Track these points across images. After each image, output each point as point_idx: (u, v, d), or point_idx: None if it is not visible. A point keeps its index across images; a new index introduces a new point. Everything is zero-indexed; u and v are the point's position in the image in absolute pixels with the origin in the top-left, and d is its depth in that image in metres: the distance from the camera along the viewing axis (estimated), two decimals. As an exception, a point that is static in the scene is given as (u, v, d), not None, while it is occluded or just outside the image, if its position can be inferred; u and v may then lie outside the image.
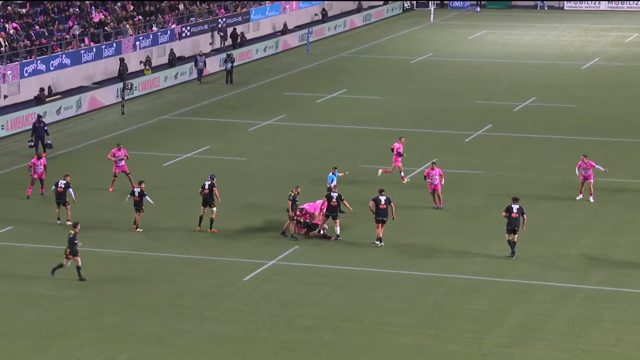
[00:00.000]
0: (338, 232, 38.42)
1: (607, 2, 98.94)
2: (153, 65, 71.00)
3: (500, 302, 33.29)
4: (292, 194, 38.30)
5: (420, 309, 32.84)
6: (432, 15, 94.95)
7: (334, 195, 38.20)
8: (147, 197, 39.39)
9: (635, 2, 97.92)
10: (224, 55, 71.13)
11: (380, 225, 37.73)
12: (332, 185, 40.10)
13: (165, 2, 79.40)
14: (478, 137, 53.96)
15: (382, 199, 37.68)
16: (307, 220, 39.16)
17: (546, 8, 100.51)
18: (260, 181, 45.99)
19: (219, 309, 32.61)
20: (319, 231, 38.83)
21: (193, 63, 70.10)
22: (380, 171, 45.03)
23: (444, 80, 69.27)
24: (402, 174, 45.04)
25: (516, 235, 36.48)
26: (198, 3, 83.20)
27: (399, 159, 44.94)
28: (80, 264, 34.17)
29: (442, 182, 41.61)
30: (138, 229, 39.36)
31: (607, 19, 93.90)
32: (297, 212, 39.03)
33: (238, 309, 32.52)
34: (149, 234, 39.47)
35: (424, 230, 39.83)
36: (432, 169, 41.71)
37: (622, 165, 47.91)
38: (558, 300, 33.43)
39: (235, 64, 69.91)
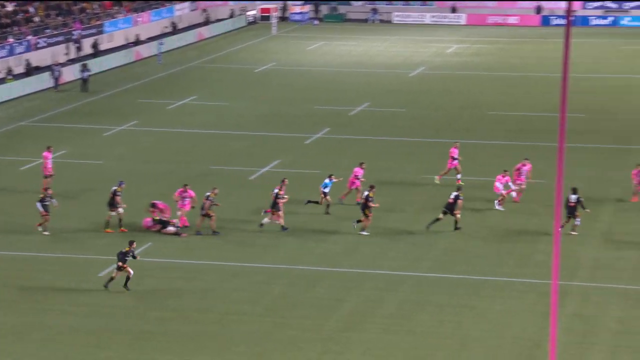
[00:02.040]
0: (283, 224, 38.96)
1: (430, 15, 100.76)
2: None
3: (337, 291, 33.68)
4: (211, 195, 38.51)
5: (266, 298, 32.99)
6: (274, 28, 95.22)
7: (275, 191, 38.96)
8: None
9: (456, 16, 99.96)
10: (79, 65, 69.95)
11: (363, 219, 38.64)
12: (326, 191, 40.74)
13: (21, 15, 77.67)
14: (317, 140, 54.36)
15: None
16: (161, 218, 38.89)
17: (377, 22, 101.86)
18: (115, 182, 45.41)
19: (76, 303, 32.20)
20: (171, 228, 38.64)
21: (50, 72, 68.75)
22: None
23: (285, 88, 69.56)
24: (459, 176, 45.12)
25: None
26: (54, 16, 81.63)
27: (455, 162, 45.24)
28: None
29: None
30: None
31: (431, 31, 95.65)
32: (150, 209, 38.93)
33: (95, 303, 32.17)
34: (8, 235, 38.69)
35: (268, 225, 39.88)
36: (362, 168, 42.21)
37: (444, 164, 48.88)
38: (388, 287, 34.00)
39: (90, 73, 68.85)
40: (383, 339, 30.05)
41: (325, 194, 40.94)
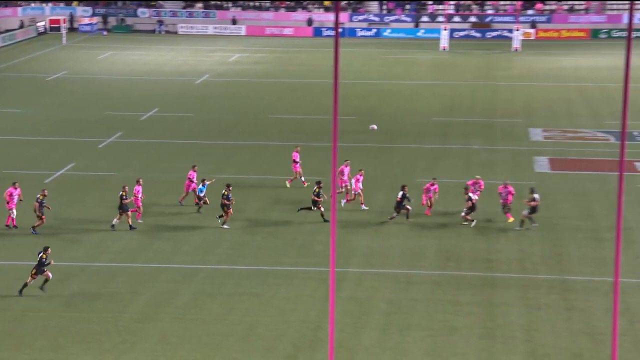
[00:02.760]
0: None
1: (213, 27, 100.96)
2: None
3: (133, 285, 33.48)
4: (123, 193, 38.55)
5: (63, 294, 32.43)
6: (64, 38, 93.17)
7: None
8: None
9: (237, 28, 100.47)
10: None
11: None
12: (201, 195, 40.72)
13: None
14: (110, 143, 53.67)
15: None
16: None
17: (163, 32, 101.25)
18: None
19: None
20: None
21: None
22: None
23: (77, 95, 68.27)
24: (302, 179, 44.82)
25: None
26: None
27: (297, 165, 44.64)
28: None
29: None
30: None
31: (214, 41, 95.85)
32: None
33: None
34: None
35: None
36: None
37: (231, 163, 49.31)
38: (183, 279, 34.05)
39: None
40: (177, 327, 30.12)
41: (200, 198, 40.90)
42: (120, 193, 38.54)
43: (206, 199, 40.95)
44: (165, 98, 66.86)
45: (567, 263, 35.48)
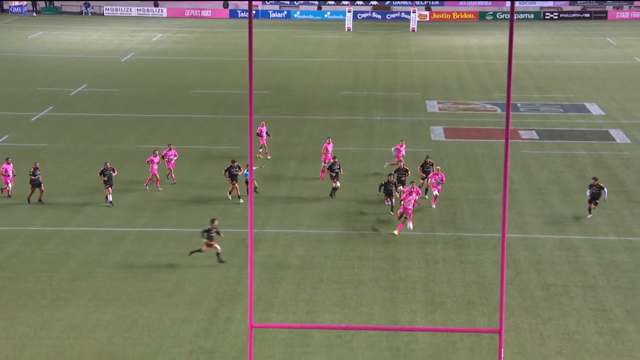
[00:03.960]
0: None
1: (137, 9, 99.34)
2: None
3: (65, 247, 33.05)
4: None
5: (0, 256, 31.88)
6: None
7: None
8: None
9: (159, 9, 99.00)
10: None
11: None
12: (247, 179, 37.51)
13: None
14: (42, 117, 52.61)
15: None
16: None
17: (90, 14, 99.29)
18: None
19: None
20: None
21: None
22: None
23: (9, 72, 66.65)
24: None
25: None
26: None
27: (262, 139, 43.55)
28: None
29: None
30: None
31: (138, 22, 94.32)
32: None
33: None
34: None
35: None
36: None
37: (157, 134, 48.79)
38: (113, 241, 33.71)
39: None
40: (109, 285, 29.85)
41: (247, 182, 37.51)
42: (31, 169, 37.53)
43: (255, 183, 38.47)
44: (93, 75, 65.70)
45: (461, 221, 36.06)
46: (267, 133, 44.26)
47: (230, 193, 38.22)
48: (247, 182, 37.58)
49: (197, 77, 65.74)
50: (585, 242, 33.97)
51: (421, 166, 38.91)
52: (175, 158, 40.08)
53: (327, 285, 30.14)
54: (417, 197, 34.67)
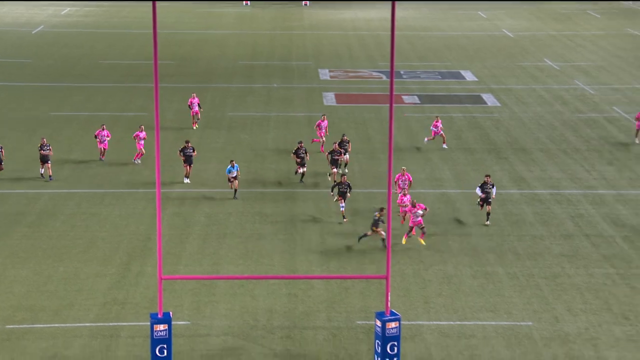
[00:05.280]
0: None
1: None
2: None
3: (-16, 209, 32.04)
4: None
5: None
6: None
7: None
8: None
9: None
10: None
11: None
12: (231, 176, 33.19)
13: None
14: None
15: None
16: None
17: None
18: None
19: None
20: None
21: None
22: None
23: None
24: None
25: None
26: None
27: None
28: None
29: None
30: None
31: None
32: None
33: None
34: None
35: None
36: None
37: (69, 102, 47.51)
38: (28, 202, 32.79)
39: None
40: (25, 243, 29.12)
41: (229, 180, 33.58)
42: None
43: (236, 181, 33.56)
44: (5, 46, 63.44)
45: (351, 178, 36.29)
46: (198, 104, 42.96)
47: (187, 177, 35.19)
48: (229, 180, 33.55)
49: (105, 48, 64.15)
50: (460, 195, 34.67)
51: (339, 144, 35.92)
52: (109, 139, 37.82)
53: (231, 240, 30.03)
54: (421, 212, 29.08)
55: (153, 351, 20.97)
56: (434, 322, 24.27)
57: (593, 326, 24.13)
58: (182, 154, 35.10)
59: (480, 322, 24.30)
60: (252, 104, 48.07)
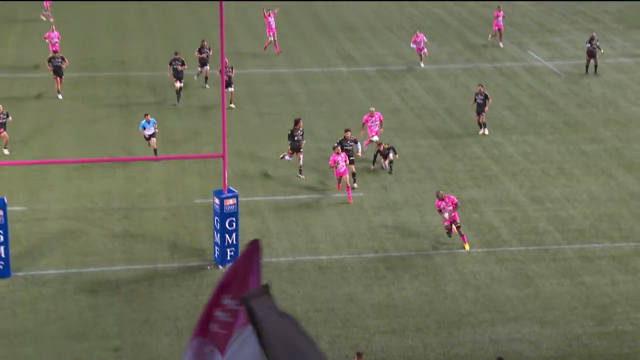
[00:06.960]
0: None
1: None
2: None
3: None
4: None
5: None
6: None
7: None
8: None
9: None
10: None
11: None
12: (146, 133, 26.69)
13: None
14: None
15: None
16: None
17: None
18: None
19: None
20: None
21: None
22: None
23: None
24: None
25: None
26: None
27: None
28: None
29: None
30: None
31: None
32: None
33: None
34: None
35: None
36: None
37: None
38: None
39: None
40: None
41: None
42: None
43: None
44: None
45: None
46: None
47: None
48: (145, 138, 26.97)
49: None
50: (294, 75, 34.85)
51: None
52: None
53: (64, 124, 29.10)
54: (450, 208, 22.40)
55: (-13, 238, 20.33)
56: (271, 197, 24.69)
57: (418, 193, 25.23)
58: (50, 64, 31.48)
59: (314, 195, 24.89)
60: None
